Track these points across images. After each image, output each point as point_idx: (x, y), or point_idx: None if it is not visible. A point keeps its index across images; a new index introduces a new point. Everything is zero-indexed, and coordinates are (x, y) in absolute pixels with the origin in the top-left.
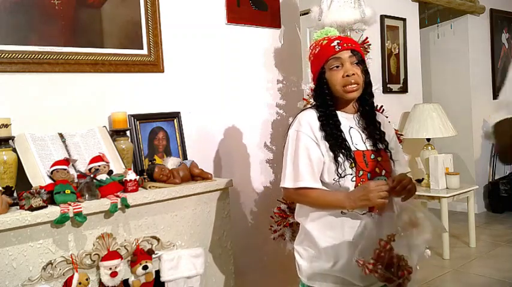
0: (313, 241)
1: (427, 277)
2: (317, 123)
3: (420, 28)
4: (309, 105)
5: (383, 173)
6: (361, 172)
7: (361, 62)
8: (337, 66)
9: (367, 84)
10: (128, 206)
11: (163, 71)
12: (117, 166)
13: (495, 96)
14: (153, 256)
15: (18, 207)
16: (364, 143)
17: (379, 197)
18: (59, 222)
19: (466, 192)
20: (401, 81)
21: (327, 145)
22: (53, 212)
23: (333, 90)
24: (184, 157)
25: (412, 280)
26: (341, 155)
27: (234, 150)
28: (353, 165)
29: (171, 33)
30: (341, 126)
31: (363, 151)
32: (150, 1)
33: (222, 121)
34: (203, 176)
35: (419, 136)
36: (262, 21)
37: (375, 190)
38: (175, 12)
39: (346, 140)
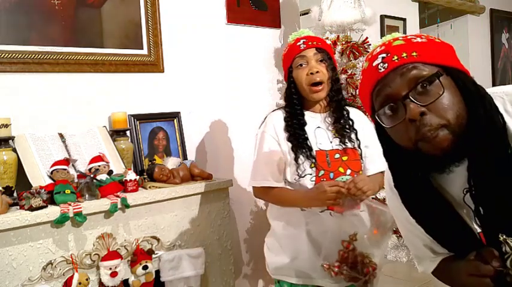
0: (276, 236)
1: (427, 277)
2: (282, 124)
3: (420, 28)
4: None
5: (348, 173)
6: (321, 172)
7: (327, 60)
8: (302, 64)
9: (335, 81)
10: (127, 206)
11: (163, 71)
12: (117, 166)
13: None
14: (153, 256)
15: (18, 207)
16: (331, 142)
17: (329, 199)
18: (59, 222)
19: None
20: None
21: (289, 146)
22: (53, 212)
23: (300, 89)
24: (184, 157)
25: (377, 278)
26: (301, 155)
27: (234, 150)
28: (313, 165)
29: (171, 33)
30: (306, 126)
31: (326, 151)
32: (150, 1)
33: (222, 121)
34: (203, 176)
35: None
36: (262, 21)
37: (326, 190)
38: (175, 12)
39: (307, 141)
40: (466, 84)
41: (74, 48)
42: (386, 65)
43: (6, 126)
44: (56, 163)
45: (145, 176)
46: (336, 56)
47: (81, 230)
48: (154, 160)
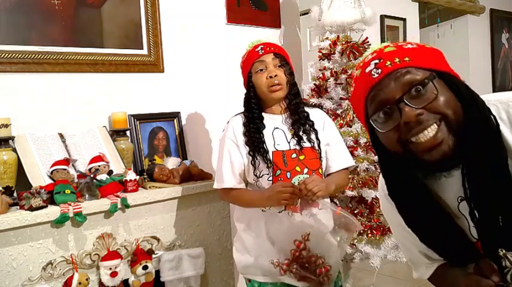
0: (239, 237)
1: None
2: (241, 129)
3: (420, 28)
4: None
5: (305, 172)
6: (278, 171)
7: (285, 65)
8: (261, 69)
9: (292, 85)
10: (127, 206)
11: (163, 71)
12: (117, 166)
13: None
14: (153, 256)
15: (18, 207)
16: (289, 142)
17: (283, 199)
18: (59, 222)
19: None
20: None
21: (247, 149)
22: (53, 212)
23: (259, 92)
24: (184, 157)
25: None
26: (258, 157)
27: None
28: (270, 165)
29: (171, 33)
30: (265, 129)
31: (283, 151)
32: (150, 1)
33: (222, 121)
34: (203, 176)
35: None
36: (262, 21)
37: (280, 191)
38: (175, 12)
39: (264, 144)
40: (459, 87)
41: (73, 48)
42: (379, 70)
43: (6, 126)
44: (56, 163)
45: (145, 176)
46: (336, 56)
47: (81, 230)
48: (154, 160)
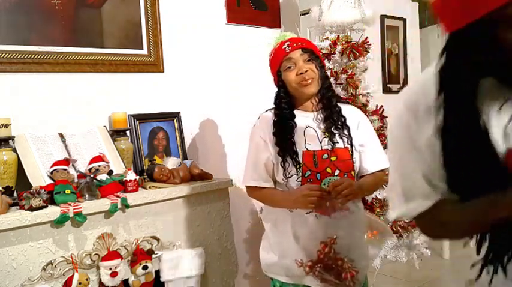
0: (266, 235)
1: (427, 277)
2: (270, 126)
3: (420, 28)
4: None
5: (336, 173)
6: (308, 172)
7: (314, 59)
8: (290, 67)
9: (324, 78)
10: (128, 206)
11: (163, 71)
12: (117, 166)
13: None
14: (153, 256)
15: (18, 207)
16: (320, 142)
17: (309, 202)
18: (59, 222)
19: None
20: (401, 81)
21: (276, 149)
22: (53, 212)
23: (291, 90)
24: (184, 157)
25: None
26: (288, 157)
27: (234, 150)
28: (299, 166)
29: (171, 33)
30: (296, 127)
31: (314, 151)
32: (150, 1)
33: (222, 121)
34: (203, 176)
35: None
36: (262, 21)
37: (306, 194)
38: (175, 12)
39: (294, 144)
40: None
41: (73, 48)
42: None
43: (6, 126)
44: (56, 163)
45: (145, 176)
46: (336, 56)
47: (81, 230)
48: (154, 160)
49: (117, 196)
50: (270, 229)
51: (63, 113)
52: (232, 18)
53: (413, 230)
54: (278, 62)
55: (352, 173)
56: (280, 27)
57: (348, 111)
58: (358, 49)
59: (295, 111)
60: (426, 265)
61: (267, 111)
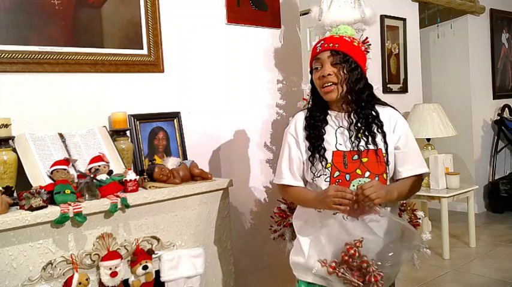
0: (296, 235)
1: (427, 277)
2: (303, 123)
3: (420, 28)
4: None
5: (366, 175)
6: (336, 173)
7: (344, 62)
8: (317, 68)
9: (355, 81)
10: (128, 206)
11: (163, 71)
12: (117, 166)
13: (495, 96)
14: (153, 256)
15: (18, 207)
16: (352, 143)
17: (334, 203)
18: (59, 222)
19: (466, 192)
20: (401, 81)
21: (307, 145)
22: (53, 212)
23: (318, 91)
24: (184, 157)
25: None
26: (317, 155)
27: (234, 150)
28: (328, 165)
29: (171, 33)
30: (327, 126)
31: (344, 151)
32: (150, 1)
33: (222, 121)
34: (203, 176)
35: (419, 136)
36: (262, 21)
37: (332, 195)
38: (175, 12)
39: (324, 141)
40: None
41: (73, 48)
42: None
43: (6, 126)
44: (56, 163)
45: (145, 176)
46: None
47: (81, 230)
48: (154, 160)
49: (117, 196)
50: (299, 229)
51: (63, 113)
52: (232, 18)
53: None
54: (311, 60)
55: (385, 176)
56: (280, 27)
57: (386, 113)
58: None
59: (330, 112)
60: (426, 265)
61: (301, 110)
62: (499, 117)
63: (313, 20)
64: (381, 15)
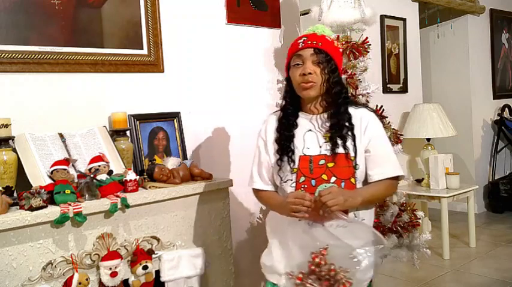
0: (268, 237)
1: (427, 277)
2: (274, 125)
3: (420, 28)
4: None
5: (332, 180)
6: (302, 178)
7: (325, 62)
8: (298, 64)
9: (334, 83)
10: (128, 206)
11: (163, 71)
12: (117, 166)
13: (495, 96)
14: (153, 256)
15: (18, 207)
16: (320, 147)
17: (292, 210)
18: (59, 222)
19: (466, 192)
20: (401, 81)
21: (276, 148)
22: (53, 212)
23: (294, 88)
24: (184, 157)
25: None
26: (285, 158)
27: (234, 150)
28: (295, 170)
29: (171, 33)
30: (297, 129)
31: (310, 156)
32: (150, 1)
33: (222, 121)
34: (203, 176)
35: (419, 136)
36: (262, 21)
37: (290, 202)
38: (175, 12)
39: (292, 143)
40: None
41: (73, 48)
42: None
43: (6, 126)
44: (56, 163)
45: (145, 176)
46: None
47: (81, 230)
48: (154, 160)
49: (117, 196)
50: (270, 232)
51: (63, 113)
52: (232, 18)
53: (413, 230)
54: (290, 55)
55: (353, 180)
56: (280, 27)
57: (358, 115)
58: (358, 49)
59: (300, 113)
60: (426, 265)
61: (273, 113)
62: (499, 117)
63: (313, 20)
64: (381, 15)
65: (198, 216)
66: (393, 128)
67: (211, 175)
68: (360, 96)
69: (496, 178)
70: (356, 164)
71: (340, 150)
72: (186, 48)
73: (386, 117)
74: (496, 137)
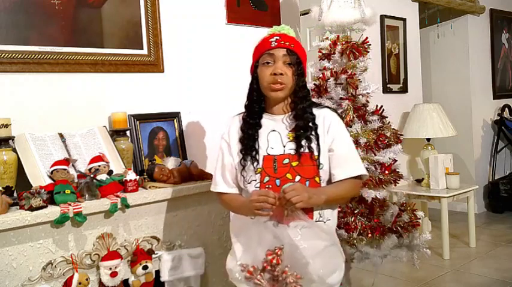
0: (232, 240)
1: (427, 277)
2: (238, 126)
3: (420, 28)
4: None
5: (297, 179)
6: (267, 178)
7: (296, 64)
8: (269, 63)
9: (301, 87)
10: (128, 206)
11: (163, 71)
12: (117, 166)
13: (495, 96)
14: (153, 256)
15: (18, 207)
16: (284, 146)
17: (256, 208)
18: (59, 222)
19: (466, 192)
20: (401, 81)
21: (239, 147)
22: (53, 212)
23: (261, 87)
24: (184, 157)
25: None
26: (247, 159)
27: None
28: (259, 170)
29: (171, 33)
30: (261, 129)
31: (274, 156)
32: (150, 1)
33: (222, 121)
34: (203, 176)
35: (419, 136)
36: (262, 21)
37: (254, 200)
38: (175, 12)
39: (256, 143)
40: None
41: (73, 48)
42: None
43: (6, 126)
44: (56, 163)
45: (145, 176)
46: (336, 56)
47: (81, 230)
48: (154, 160)
49: (117, 196)
50: (234, 235)
51: (63, 113)
52: (232, 18)
53: (413, 230)
54: (260, 52)
55: (317, 179)
56: None
57: (321, 115)
58: (358, 49)
59: (264, 114)
60: (426, 265)
61: (237, 114)
62: (499, 117)
63: (313, 20)
64: (381, 15)
65: (198, 216)
66: (393, 128)
67: (211, 175)
68: (360, 96)
69: (496, 178)
70: (320, 163)
71: (304, 149)
72: (186, 48)
73: (387, 117)
74: (496, 137)
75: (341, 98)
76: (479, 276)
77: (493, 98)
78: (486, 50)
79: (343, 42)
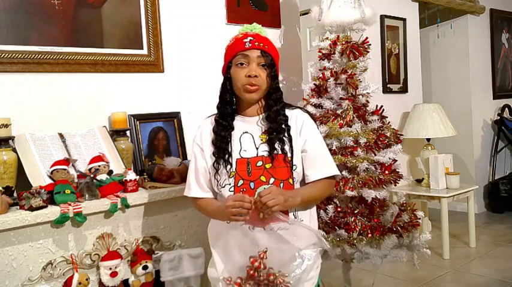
0: (211, 248)
1: (427, 277)
2: (209, 128)
3: (420, 28)
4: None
5: (271, 182)
6: (241, 181)
7: (270, 66)
8: (242, 64)
9: (274, 89)
10: (128, 206)
11: (163, 71)
12: (117, 166)
13: (495, 96)
14: (153, 256)
15: (18, 207)
16: (257, 148)
17: (232, 213)
18: (59, 222)
19: (466, 192)
20: (401, 81)
21: (212, 150)
22: (53, 212)
23: (235, 88)
24: (184, 157)
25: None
26: (220, 162)
27: None
28: (232, 174)
29: (171, 33)
30: (233, 131)
31: (247, 158)
32: (150, 1)
33: None
34: None
35: (419, 136)
36: (262, 21)
37: (230, 205)
38: (175, 12)
39: (228, 145)
40: None
41: (73, 48)
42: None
43: (6, 126)
44: (56, 163)
45: (145, 176)
46: (336, 56)
47: (81, 230)
48: (154, 160)
49: (117, 196)
50: (212, 241)
51: (63, 113)
52: (232, 18)
53: (413, 230)
54: (233, 53)
55: (291, 181)
56: (280, 27)
57: (293, 116)
58: (358, 49)
59: (237, 116)
60: (426, 265)
61: (208, 117)
62: (499, 117)
63: (313, 20)
64: (381, 15)
65: (198, 216)
66: (393, 128)
67: None
68: (360, 96)
69: (496, 178)
70: (293, 165)
71: (277, 151)
72: (186, 48)
73: (386, 117)
74: (496, 137)
75: (341, 98)
76: (479, 276)
77: (493, 98)
78: (486, 50)
79: (343, 42)
